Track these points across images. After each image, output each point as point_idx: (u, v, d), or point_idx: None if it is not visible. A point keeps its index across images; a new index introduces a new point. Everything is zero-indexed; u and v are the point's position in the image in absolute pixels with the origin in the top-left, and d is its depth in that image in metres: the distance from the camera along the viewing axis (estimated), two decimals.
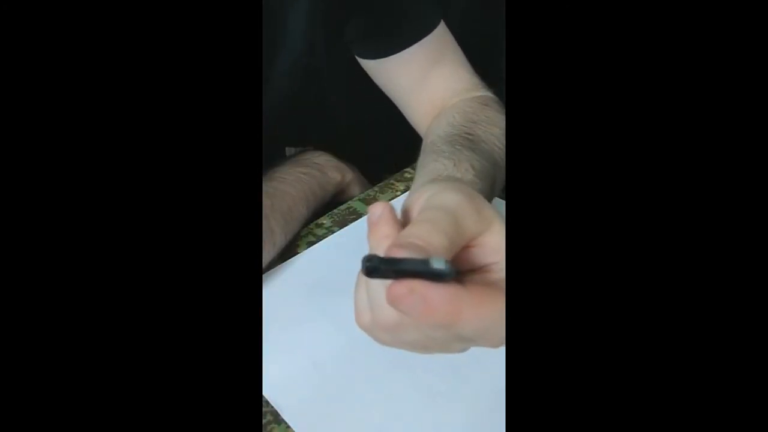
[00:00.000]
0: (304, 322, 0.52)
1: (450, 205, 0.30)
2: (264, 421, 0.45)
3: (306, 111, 0.73)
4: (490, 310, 0.27)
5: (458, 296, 0.27)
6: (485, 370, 0.47)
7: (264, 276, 0.57)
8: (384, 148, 0.79)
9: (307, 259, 0.60)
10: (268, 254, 0.56)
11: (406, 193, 0.63)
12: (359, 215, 0.65)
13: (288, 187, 0.60)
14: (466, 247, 0.31)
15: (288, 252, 0.60)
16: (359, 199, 0.68)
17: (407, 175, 0.71)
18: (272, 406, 0.46)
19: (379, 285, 0.29)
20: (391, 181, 0.70)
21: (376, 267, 0.27)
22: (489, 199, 0.46)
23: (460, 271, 0.30)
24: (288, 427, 0.44)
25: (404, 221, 0.32)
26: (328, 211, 0.66)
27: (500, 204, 0.59)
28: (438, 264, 0.26)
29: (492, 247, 0.31)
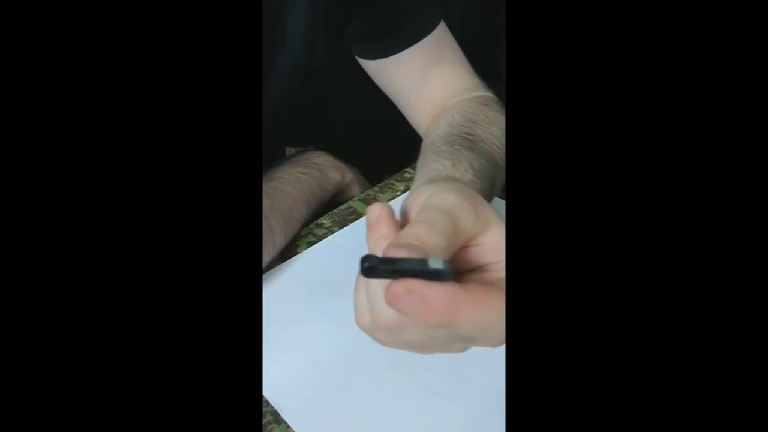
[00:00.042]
0: (304, 322, 0.52)
1: (448, 205, 0.30)
2: (264, 421, 0.45)
3: (306, 111, 0.73)
4: (488, 310, 0.27)
5: (456, 295, 0.27)
6: (485, 370, 0.47)
7: (264, 276, 0.57)
8: (384, 148, 0.79)
9: (307, 259, 0.60)
10: (268, 254, 0.56)
11: (406, 193, 0.63)
12: (359, 215, 0.65)
13: (288, 187, 0.60)
14: (464, 247, 0.31)
15: (288, 252, 0.60)
16: (359, 199, 0.68)
17: (407, 175, 0.71)
18: (272, 406, 0.46)
19: (379, 286, 0.29)
20: (391, 181, 0.70)
21: (373, 267, 0.27)
22: (489, 199, 0.46)
23: (458, 270, 0.30)
24: (288, 427, 0.44)
25: (403, 222, 0.32)
26: (328, 211, 0.66)
27: (500, 204, 0.59)
28: (436, 263, 0.26)
29: (490, 246, 0.31)
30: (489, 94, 0.62)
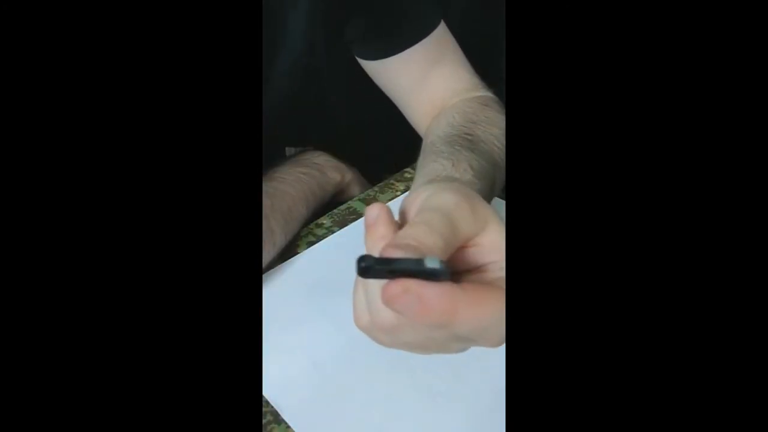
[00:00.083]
0: (304, 322, 0.52)
1: (446, 206, 0.30)
2: (264, 421, 0.45)
3: (306, 111, 0.73)
4: (486, 309, 0.27)
5: (453, 295, 0.27)
6: (485, 370, 0.47)
7: (264, 276, 0.57)
8: (384, 148, 0.79)
9: (307, 259, 0.60)
10: (268, 254, 0.56)
11: (406, 193, 0.63)
12: (359, 215, 0.65)
13: (288, 187, 0.60)
14: (462, 248, 0.31)
15: (288, 252, 0.60)
16: (359, 199, 0.68)
17: (407, 175, 0.71)
18: (272, 406, 0.46)
19: (377, 286, 0.29)
20: (391, 181, 0.70)
21: (370, 267, 0.27)
22: (488, 199, 0.46)
23: (455, 270, 0.30)
24: (288, 427, 0.44)
25: (401, 222, 0.32)
26: (328, 211, 0.66)
27: (500, 204, 0.59)
28: (432, 263, 0.26)
29: (489, 247, 0.31)
30: (489, 94, 0.62)
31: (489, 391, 0.46)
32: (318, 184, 0.64)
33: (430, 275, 0.26)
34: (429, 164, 0.46)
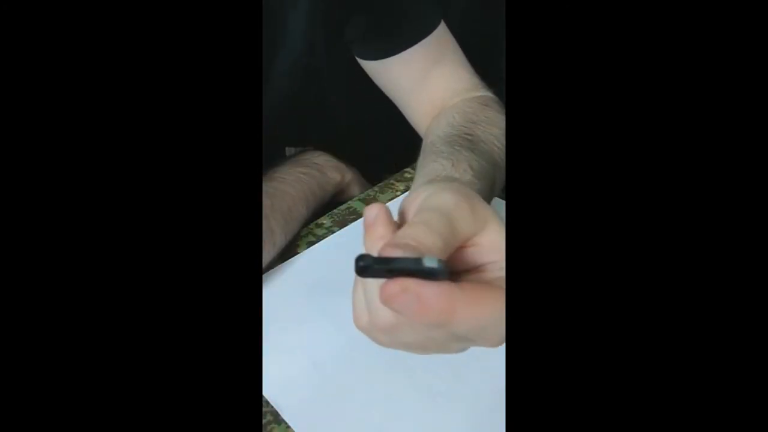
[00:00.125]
0: (304, 322, 0.52)
1: (445, 206, 0.30)
2: (264, 421, 0.45)
3: (306, 111, 0.73)
4: (485, 309, 0.27)
5: (452, 294, 0.27)
6: (485, 370, 0.47)
7: (264, 276, 0.57)
8: (384, 148, 0.79)
9: (307, 259, 0.60)
10: (268, 254, 0.56)
11: (406, 193, 0.63)
12: (359, 215, 0.65)
13: (288, 187, 0.60)
14: (462, 247, 0.31)
15: (288, 252, 0.60)
16: (359, 199, 0.68)
17: (407, 175, 0.71)
18: (272, 406, 0.46)
19: (375, 286, 0.29)
20: (391, 181, 0.70)
21: (368, 266, 0.27)
22: (488, 199, 0.46)
23: (454, 270, 0.30)
24: (288, 427, 0.44)
25: (400, 222, 0.32)
26: (328, 211, 0.66)
27: (500, 204, 0.59)
28: (431, 263, 0.26)
29: (488, 246, 0.31)
30: (489, 94, 0.62)
31: (489, 391, 0.46)
32: (318, 184, 0.64)
33: (428, 275, 0.26)
34: (429, 164, 0.46)
